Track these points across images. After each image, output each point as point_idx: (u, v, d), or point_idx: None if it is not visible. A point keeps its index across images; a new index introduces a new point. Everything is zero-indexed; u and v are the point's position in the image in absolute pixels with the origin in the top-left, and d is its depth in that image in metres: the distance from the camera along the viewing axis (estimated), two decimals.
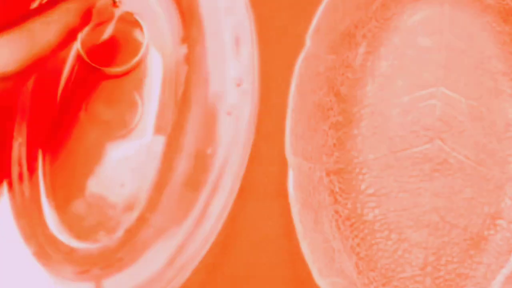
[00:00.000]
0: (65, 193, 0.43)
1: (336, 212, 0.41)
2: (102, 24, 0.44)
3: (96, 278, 0.41)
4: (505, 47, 0.42)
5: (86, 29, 0.44)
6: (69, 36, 0.41)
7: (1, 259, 0.42)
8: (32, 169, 0.44)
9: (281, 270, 0.42)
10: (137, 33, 0.44)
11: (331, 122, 0.42)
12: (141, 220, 0.42)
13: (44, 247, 0.42)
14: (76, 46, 0.44)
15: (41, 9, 0.40)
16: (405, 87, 0.42)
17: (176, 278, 0.40)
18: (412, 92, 0.42)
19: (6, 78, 0.38)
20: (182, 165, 0.42)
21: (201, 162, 0.41)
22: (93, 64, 0.44)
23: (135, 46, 0.44)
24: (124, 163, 0.43)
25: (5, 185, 0.43)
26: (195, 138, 0.42)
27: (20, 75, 0.39)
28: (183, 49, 0.44)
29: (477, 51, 0.42)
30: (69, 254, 0.42)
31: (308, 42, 0.41)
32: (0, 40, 0.38)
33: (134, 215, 0.42)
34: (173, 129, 0.43)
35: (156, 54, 0.44)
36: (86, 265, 0.42)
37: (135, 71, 0.44)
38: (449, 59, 0.42)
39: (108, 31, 0.44)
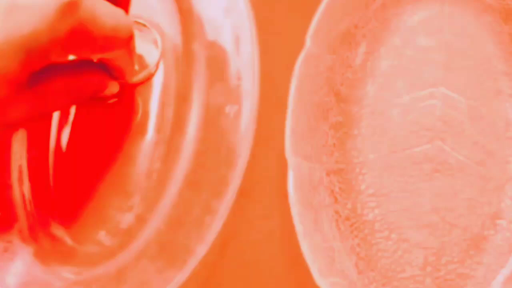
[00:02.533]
0: (66, 193, 0.43)
1: (336, 212, 0.41)
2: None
3: (95, 278, 0.41)
4: (505, 47, 0.42)
5: None
6: None
7: (0, 259, 0.42)
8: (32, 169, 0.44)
9: (281, 270, 0.42)
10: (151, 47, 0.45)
11: (331, 122, 0.42)
12: (141, 220, 0.42)
13: (44, 246, 0.43)
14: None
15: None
16: (405, 87, 0.42)
17: (176, 277, 0.40)
18: (412, 92, 0.42)
19: None
20: (182, 165, 0.42)
21: (201, 162, 0.41)
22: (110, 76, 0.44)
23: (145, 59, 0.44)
24: (125, 163, 0.43)
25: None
26: (195, 138, 0.42)
27: None
28: (184, 49, 0.44)
29: (477, 51, 0.42)
30: (69, 254, 0.42)
31: (308, 42, 0.41)
32: None
33: (134, 215, 0.42)
34: (173, 129, 0.43)
35: (156, 54, 0.44)
36: (86, 265, 0.42)
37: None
38: (449, 59, 0.42)
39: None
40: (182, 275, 0.40)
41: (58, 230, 0.43)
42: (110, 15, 0.36)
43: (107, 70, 0.40)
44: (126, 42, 0.38)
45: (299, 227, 0.39)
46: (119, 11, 0.37)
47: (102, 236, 0.42)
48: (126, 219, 0.42)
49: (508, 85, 0.42)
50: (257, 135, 0.41)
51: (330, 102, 0.42)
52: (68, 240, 0.43)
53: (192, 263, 0.40)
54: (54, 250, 0.42)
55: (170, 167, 0.42)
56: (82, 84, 0.39)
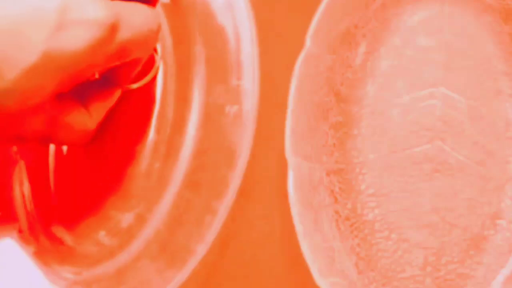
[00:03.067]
0: (66, 193, 0.43)
1: (336, 212, 0.41)
2: None
3: (95, 278, 0.41)
4: (505, 47, 0.42)
5: None
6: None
7: (1, 259, 0.42)
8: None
9: (281, 270, 0.42)
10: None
11: (331, 122, 0.42)
12: (141, 220, 0.42)
13: (44, 246, 0.42)
14: None
15: None
16: (405, 87, 0.42)
17: (176, 277, 0.40)
18: (412, 92, 0.42)
19: None
20: (182, 165, 0.42)
21: (201, 162, 0.41)
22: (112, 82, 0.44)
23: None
24: (125, 162, 0.43)
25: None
26: (195, 138, 0.42)
27: None
28: (183, 49, 0.44)
29: (477, 51, 0.42)
30: (69, 254, 0.42)
31: (308, 42, 0.41)
32: None
33: (134, 215, 0.42)
34: (173, 129, 0.43)
35: (156, 55, 0.44)
36: (86, 265, 0.42)
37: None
38: (449, 59, 0.42)
39: None
40: (182, 275, 0.40)
41: (58, 230, 0.43)
42: (144, 22, 0.36)
43: (110, 78, 0.40)
44: (155, 41, 0.38)
45: (299, 227, 0.39)
46: (149, 14, 0.37)
47: (102, 236, 0.42)
48: (126, 219, 0.42)
49: (508, 85, 0.42)
50: (257, 135, 0.41)
51: (330, 102, 0.42)
52: (68, 240, 0.43)
53: (192, 263, 0.40)
54: (54, 250, 0.42)
55: (170, 167, 0.42)
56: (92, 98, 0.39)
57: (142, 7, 0.37)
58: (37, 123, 0.35)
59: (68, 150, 0.44)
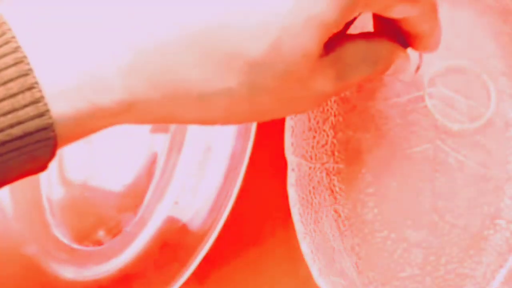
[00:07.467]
0: (65, 193, 0.43)
1: (336, 212, 0.41)
2: None
3: (95, 278, 0.41)
4: (505, 47, 0.42)
5: None
6: None
7: (1, 258, 0.42)
8: None
9: (281, 270, 0.42)
10: None
11: (331, 122, 0.42)
12: (141, 220, 0.42)
13: (44, 247, 0.43)
14: None
15: None
16: (405, 87, 0.42)
17: (176, 277, 0.40)
18: (412, 92, 0.42)
19: None
20: (183, 165, 0.42)
21: (201, 162, 0.41)
22: None
23: None
24: (125, 163, 0.43)
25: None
26: (196, 138, 0.42)
27: None
28: None
29: (477, 51, 0.42)
30: (70, 254, 0.42)
31: None
32: None
33: (133, 215, 0.42)
34: (174, 128, 0.43)
35: None
36: (86, 265, 0.42)
37: None
38: (450, 59, 0.42)
39: None
40: (183, 275, 0.40)
41: (58, 230, 0.43)
42: None
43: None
44: None
45: (299, 227, 0.39)
46: None
47: (102, 236, 0.42)
48: (126, 219, 0.42)
49: (508, 85, 0.42)
50: (257, 135, 0.41)
51: (330, 102, 0.42)
52: (68, 240, 0.43)
53: (192, 263, 0.40)
54: (54, 250, 0.42)
55: (170, 167, 0.42)
56: (377, 49, 0.34)
57: None
58: (324, 78, 0.32)
59: (67, 149, 0.44)
